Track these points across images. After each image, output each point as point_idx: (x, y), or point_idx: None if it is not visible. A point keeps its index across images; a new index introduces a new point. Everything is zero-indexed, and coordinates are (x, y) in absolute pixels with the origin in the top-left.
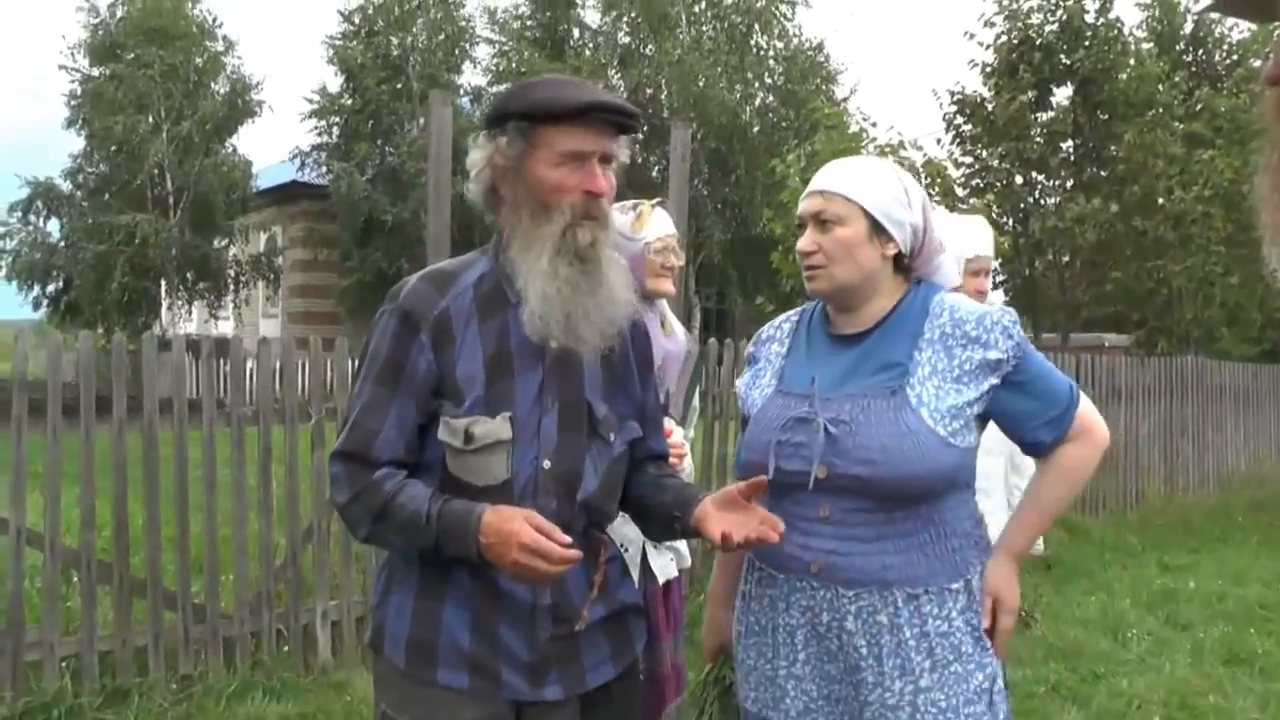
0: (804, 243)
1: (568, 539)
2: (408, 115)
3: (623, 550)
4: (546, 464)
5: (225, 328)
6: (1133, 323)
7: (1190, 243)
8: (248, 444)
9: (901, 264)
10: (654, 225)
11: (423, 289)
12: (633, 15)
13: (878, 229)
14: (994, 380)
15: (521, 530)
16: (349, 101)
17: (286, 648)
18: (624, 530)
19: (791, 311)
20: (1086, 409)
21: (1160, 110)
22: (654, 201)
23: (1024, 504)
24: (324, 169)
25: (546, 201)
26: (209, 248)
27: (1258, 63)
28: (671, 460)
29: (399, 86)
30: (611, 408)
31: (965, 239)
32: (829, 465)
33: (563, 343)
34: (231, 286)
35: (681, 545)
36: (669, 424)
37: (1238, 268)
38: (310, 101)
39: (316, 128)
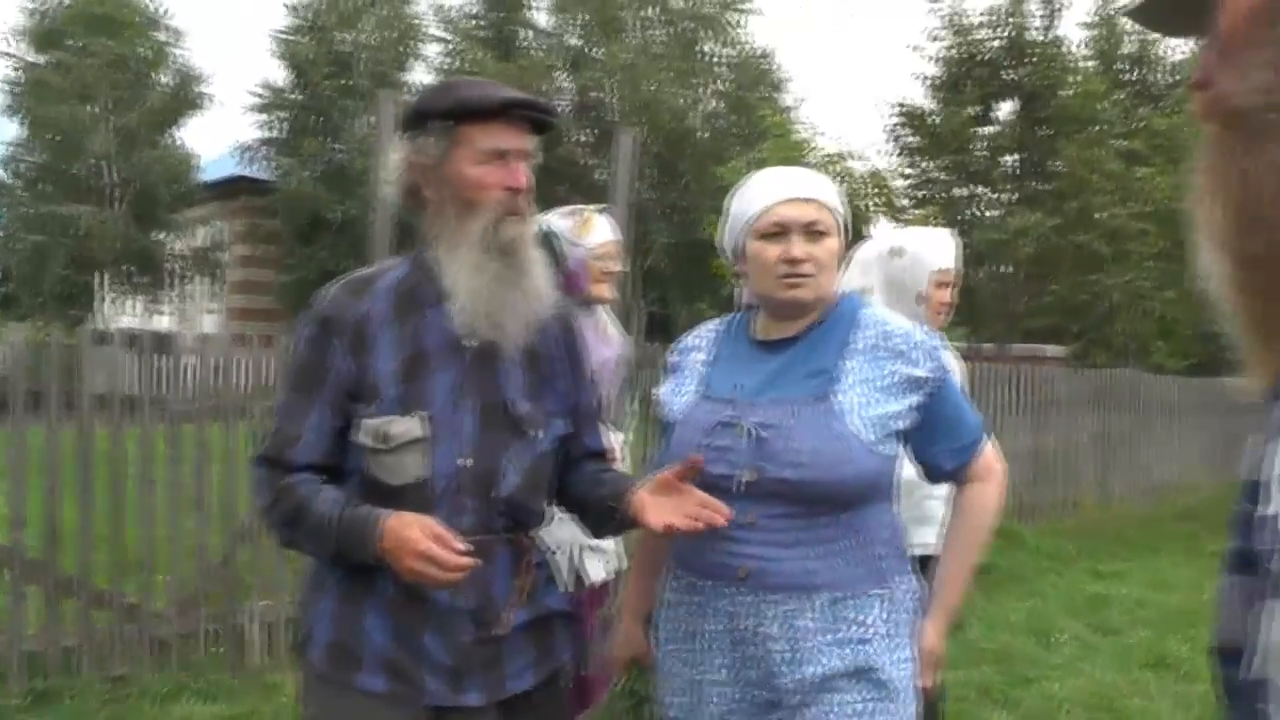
0: (798, 251)
1: (465, 546)
2: (356, 112)
3: (553, 554)
4: (467, 462)
5: (165, 322)
6: (1070, 334)
7: (1127, 258)
8: (184, 442)
9: None
10: (598, 232)
11: (340, 296)
12: (583, 18)
13: (842, 237)
14: (918, 398)
15: (417, 538)
16: (296, 97)
17: (220, 649)
18: (557, 533)
19: (714, 320)
20: (991, 450)
21: (1101, 127)
22: (598, 208)
23: (945, 561)
24: (270, 164)
25: (471, 199)
26: (149, 240)
27: None
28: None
29: (347, 83)
30: (536, 405)
31: (934, 252)
32: (758, 470)
33: (489, 337)
34: (172, 281)
35: (611, 546)
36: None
37: (1172, 283)
38: (257, 96)
39: (262, 122)
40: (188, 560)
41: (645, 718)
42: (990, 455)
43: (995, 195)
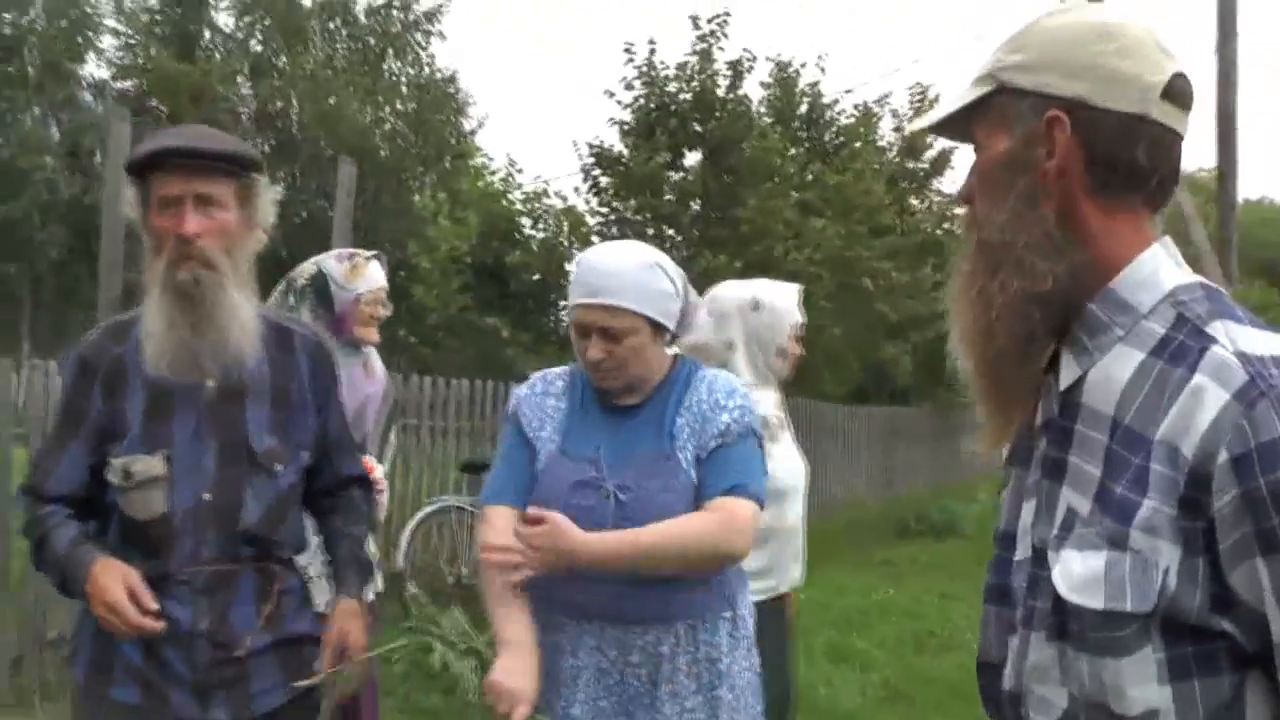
0: (594, 353)
1: (153, 607)
2: (23, 103)
3: (312, 579)
4: (207, 496)
5: None
6: None
7: (806, 299)
8: None
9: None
10: (369, 278)
11: (99, 340)
12: (266, 23)
13: (658, 328)
14: (720, 441)
15: (108, 588)
16: None
17: None
18: (301, 559)
19: (558, 370)
20: (745, 512)
21: (779, 180)
22: (369, 254)
23: (653, 528)
24: None
25: (156, 246)
26: None
27: (858, 144)
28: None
29: (12, 70)
30: (281, 441)
31: (790, 306)
32: (619, 528)
33: (178, 377)
34: None
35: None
36: (369, 460)
37: (841, 320)
38: None
39: None
40: None
41: None
42: (743, 514)
43: (682, 238)
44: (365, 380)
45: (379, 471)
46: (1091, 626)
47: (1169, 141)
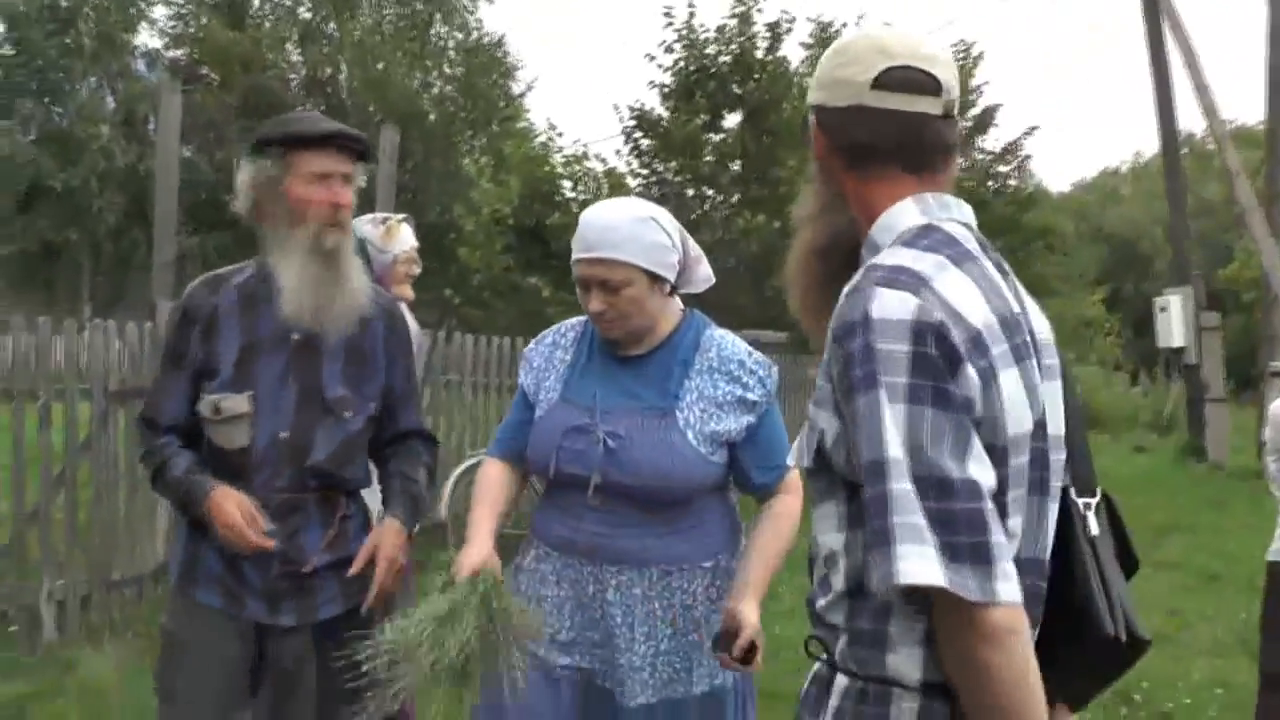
0: (595, 305)
1: (266, 528)
2: (80, 74)
3: (371, 513)
4: (284, 435)
5: None
6: (787, 324)
7: None
8: None
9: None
10: (401, 239)
11: (199, 290)
12: None
13: (655, 278)
14: (750, 418)
15: (228, 512)
16: (10, 54)
17: (13, 628)
18: (370, 500)
19: (573, 321)
20: (795, 475)
21: None
22: (400, 217)
23: (753, 556)
24: None
25: (300, 213)
26: None
27: None
28: None
29: (68, 41)
30: (353, 390)
31: None
32: (604, 473)
33: (312, 329)
34: None
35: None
36: None
37: None
38: None
39: None
40: None
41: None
42: (795, 476)
43: (722, 198)
44: None
45: None
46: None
47: (895, 119)
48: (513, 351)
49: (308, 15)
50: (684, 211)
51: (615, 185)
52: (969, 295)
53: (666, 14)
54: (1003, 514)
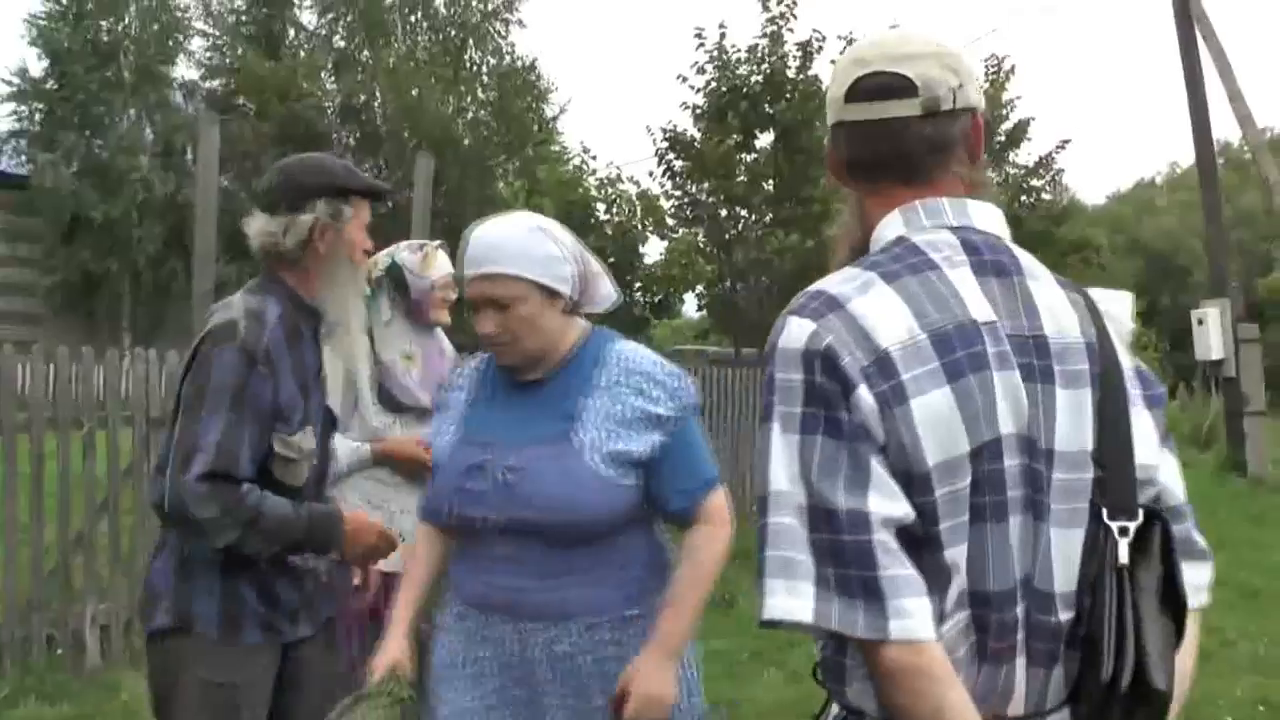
0: (486, 327)
1: (399, 543)
2: (119, 106)
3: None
4: (315, 462)
5: None
6: None
7: None
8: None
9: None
10: (439, 265)
11: (252, 328)
12: (349, 19)
13: (549, 293)
14: (659, 436)
15: (373, 526)
16: (52, 87)
17: (59, 651)
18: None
19: (474, 358)
20: (720, 498)
21: None
22: (438, 243)
23: (670, 601)
24: (23, 158)
25: (354, 257)
26: None
27: None
28: None
29: (109, 75)
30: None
31: (1128, 318)
32: (503, 512)
33: (352, 364)
34: None
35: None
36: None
37: None
38: (8, 84)
39: (15, 113)
40: (23, 568)
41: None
42: (719, 502)
43: (755, 219)
44: (440, 360)
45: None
46: None
47: (866, 130)
48: None
49: (342, 44)
50: (718, 232)
51: (649, 207)
52: (888, 313)
53: (698, 35)
54: (933, 545)
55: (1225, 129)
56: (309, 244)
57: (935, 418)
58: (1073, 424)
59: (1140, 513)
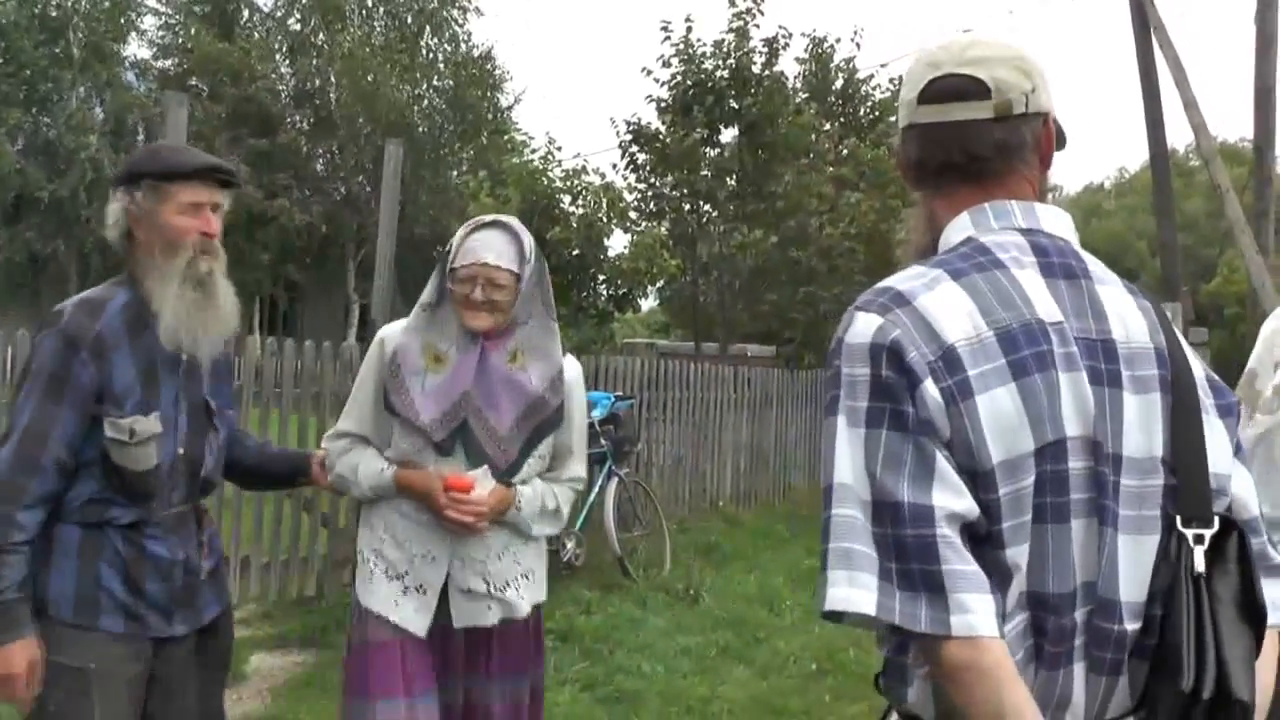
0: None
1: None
2: (68, 84)
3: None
4: (181, 451)
5: None
6: (781, 339)
7: (837, 272)
8: None
9: None
10: (464, 252)
11: (77, 316)
12: (304, 2)
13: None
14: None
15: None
16: None
17: None
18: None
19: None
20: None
21: (814, 155)
22: (491, 218)
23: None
24: None
25: (174, 241)
26: None
27: (893, 118)
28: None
29: (58, 51)
30: (219, 402)
31: None
32: None
33: (190, 351)
34: None
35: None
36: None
37: None
38: None
39: None
40: None
41: None
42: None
43: (718, 213)
44: (501, 388)
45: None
46: None
47: (938, 132)
48: None
49: (297, 27)
50: (681, 226)
51: (613, 200)
52: (954, 309)
53: (664, 28)
54: (995, 544)
55: (1171, 136)
56: (130, 233)
57: (999, 415)
58: (1142, 429)
59: (1216, 521)
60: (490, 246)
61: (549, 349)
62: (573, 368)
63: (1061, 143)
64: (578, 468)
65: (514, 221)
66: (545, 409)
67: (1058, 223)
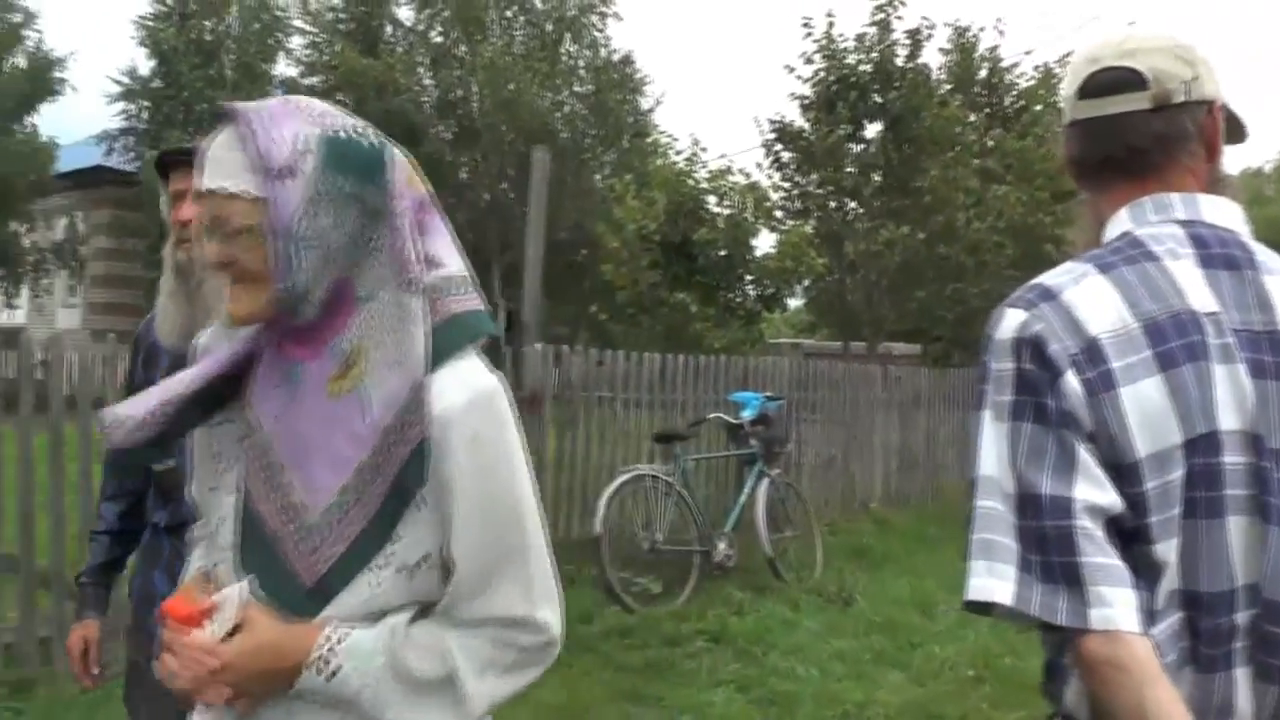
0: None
1: None
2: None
3: None
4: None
5: (20, 316)
6: (929, 337)
7: (985, 268)
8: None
9: None
10: None
11: (144, 323)
12: (445, 15)
13: None
14: None
15: None
16: (160, 86)
17: None
18: None
19: None
20: None
21: (960, 148)
22: None
23: None
24: (132, 155)
25: (169, 232)
26: (3, 232)
27: (1039, 108)
28: None
29: (212, 73)
30: None
31: None
32: None
33: (179, 346)
34: (28, 274)
35: None
36: None
37: None
38: (118, 84)
39: (125, 111)
40: None
41: None
42: None
43: (864, 210)
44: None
45: None
46: None
47: (1094, 126)
48: (662, 367)
49: (439, 39)
50: (827, 224)
51: (758, 200)
52: (1100, 302)
53: (806, 25)
54: (1142, 539)
55: None
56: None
57: (1146, 407)
58: None
59: None
60: (207, 160)
61: (404, 348)
62: (461, 382)
63: (1241, 134)
64: (514, 593)
65: (252, 106)
66: (394, 459)
67: (1223, 213)
